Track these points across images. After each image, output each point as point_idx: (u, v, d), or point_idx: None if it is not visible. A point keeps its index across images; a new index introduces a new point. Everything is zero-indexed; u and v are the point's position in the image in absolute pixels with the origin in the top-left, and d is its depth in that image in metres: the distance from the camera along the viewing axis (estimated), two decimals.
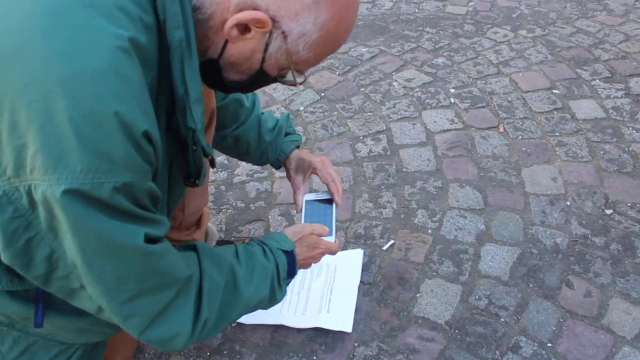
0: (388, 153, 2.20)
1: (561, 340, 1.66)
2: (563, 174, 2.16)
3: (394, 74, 2.62)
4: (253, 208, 2.00)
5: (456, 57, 2.71)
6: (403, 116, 2.36)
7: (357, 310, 1.68)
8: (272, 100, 2.56)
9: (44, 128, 0.74)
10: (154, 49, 0.85)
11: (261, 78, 1.00)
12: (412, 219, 1.97)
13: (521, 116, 2.39)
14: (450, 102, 2.44)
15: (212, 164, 1.15)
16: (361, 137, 2.27)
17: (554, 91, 2.53)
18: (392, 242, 1.90)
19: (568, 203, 2.05)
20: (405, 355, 1.61)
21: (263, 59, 0.94)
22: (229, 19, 0.86)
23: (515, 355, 1.62)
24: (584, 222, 1.99)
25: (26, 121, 0.75)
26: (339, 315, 1.66)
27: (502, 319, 1.70)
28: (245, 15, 0.85)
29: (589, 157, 2.22)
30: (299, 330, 1.65)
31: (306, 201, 1.53)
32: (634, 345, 1.65)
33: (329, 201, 1.52)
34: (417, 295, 1.76)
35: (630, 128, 2.36)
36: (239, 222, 1.94)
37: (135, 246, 0.86)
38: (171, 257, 0.96)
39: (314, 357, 1.60)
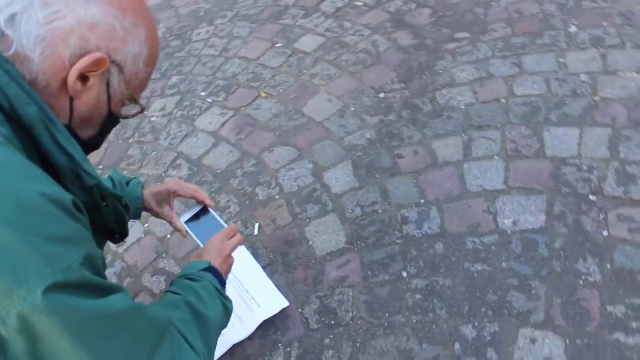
0: (195, 169, 2.27)
1: (428, 192, 1.93)
2: (331, 93, 2.44)
3: (145, 112, 2.66)
4: (125, 287, 1.92)
5: (185, 69, 2.84)
6: (182, 136, 2.43)
7: (278, 287, 1.75)
8: None
9: None
10: (12, 137, 0.83)
11: (110, 122, 1.02)
12: (256, 198, 2.08)
13: (269, 77, 2.63)
14: (210, 102, 2.57)
15: (127, 208, 1.13)
16: (163, 174, 2.29)
17: (276, 45, 2.82)
18: (257, 224, 1.99)
19: (352, 108, 2.34)
20: (341, 286, 1.74)
21: (109, 99, 0.96)
22: (70, 74, 0.86)
23: (409, 224, 1.85)
24: (372, 112, 2.30)
25: None
26: (270, 300, 1.72)
27: (380, 210, 1.92)
28: (85, 61, 0.86)
29: (338, 71, 2.55)
30: (250, 337, 1.66)
31: (186, 222, 1.56)
32: (467, 160, 2.00)
33: (204, 209, 1.58)
34: (309, 242, 1.88)
35: (348, 36, 2.75)
36: None
37: (129, 307, 0.84)
38: (150, 306, 0.96)
39: (279, 345, 1.64)
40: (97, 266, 0.83)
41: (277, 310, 1.69)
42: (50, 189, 0.78)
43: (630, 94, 2.09)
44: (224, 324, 1.23)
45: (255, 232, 1.97)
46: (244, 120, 2.42)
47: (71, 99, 0.91)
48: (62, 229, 0.76)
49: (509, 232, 1.77)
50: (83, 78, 0.89)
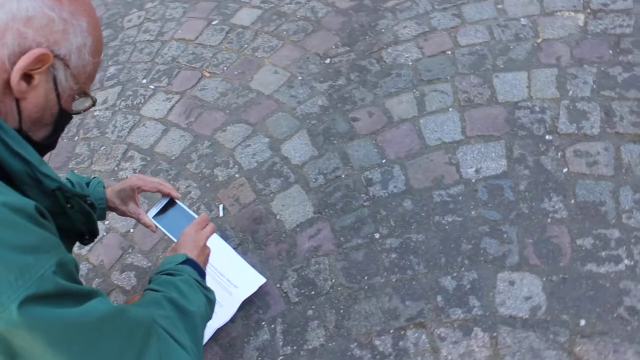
0: (148, 158, 2.19)
1: (388, 152, 1.93)
2: (276, 65, 2.40)
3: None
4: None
5: (121, 58, 2.73)
6: (130, 127, 2.34)
7: (252, 266, 1.72)
8: None
9: None
10: None
11: (63, 119, 0.96)
12: (216, 179, 2.04)
13: (210, 55, 2.55)
14: (153, 89, 2.48)
15: (93, 206, 1.08)
16: (115, 168, 2.21)
17: (213, 23, 2.73)
18: (221, 206, 1.95)
19: (300, 78, 2.30)
20: (316, 256, 1.73)
21: (58, 96, 0.90)
22: (12, 74, 0.80)
23: (375, 185, 1.85)
24: (320, 79, 2.27)
25: None
26: (246, 280, 1.68)
27: (343, 175, 1.91)
28: (26, 59, 0.80)
29: (280, 42, 2.50)
30: (232, 320, 1.63)
31: (154, 217, 1.52)
32: (423, 115, 2.01)
33: (171, 202, 1.54)
34: (277, 217, 1.86)
35: (285, 5, 2.70)
36: None
37: (110, 311, 0.81)
38: (132, 307, 0.93)
39: (263, 323, 1.62)
40: (71, 272, 0.79)
41: (255, 289, 1.66)
42: (9, 197, 0.73)
43: (570, 32, 2.13)
44: (208, 316, 1.20)
45: (221, 214, 1.93)
46: (191, 103, 2.35)
47: (17, 101, 0.85)
48: (29, 237, 0.72)
49: (474, 180, 1.79)
50: (27, 77, 0.83)
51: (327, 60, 2.34)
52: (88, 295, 0.80)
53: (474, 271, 1.60)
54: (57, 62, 0.87)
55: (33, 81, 0.84)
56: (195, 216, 1.49)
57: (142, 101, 2.44)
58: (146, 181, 1.51)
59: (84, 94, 0.97)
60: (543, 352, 1.43)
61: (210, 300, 1.21)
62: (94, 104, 1.01)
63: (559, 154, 1.79)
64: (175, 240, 1.43)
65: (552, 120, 1.88)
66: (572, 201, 1.68)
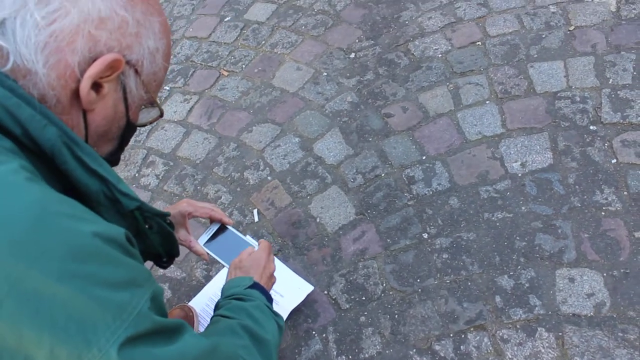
0: (171, 163, 2.11)
1: (428, 148, 1.87)
2: (298, 61, 2.32)
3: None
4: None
5: None
6: (148, 131, 2.25)
7: (297, 273, 1.65)
8: None
9: (38, 317, 0.58)
10: (32, 168, 0.69)
11: (128, 132, 0.87)
12: (247, 183, 1.96)
13: (226, 53, 2.47)
14: (168, 90, 2.39)
15: (172, 226, 1.00)
16: (136, 174, 2.12)
17: (226, 19, 2.63)
18: (255, 210, 1.87)
19: (325, 74, 2.23)
20: (363, 260, 1.66)
21: (127, 107, 0.81)
22: (82, 83, 0.71)
23: (417, 184, 1.79)
24: (347, 74, 2.20)
25: (11, 328, 0.58)
26: (292, 288, 1.62)
27: (383, 174, 1.84)
28: (98, 66, 0.71)
29: (300, 37, 2.42)
30: None
31: (205, 245, 1.44)
32: (460, 109, 1.94)
33: (222, 228, 1.46)
34: (317, 220, 1.79)
35: (301, 1, 2.62)
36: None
37: (205, 348, 0.76)
38: (218, 339, 0.86)
39: (313, 333, 1.56)
40: (162, 305, 0.73)
41: (303, 297, 1.60)
42: (99, 226, 0.66)
43: (603, 18, 2.08)
44: (279, 344, 1.14)
45: (256, 219, 1.85)
46: (211, 103, 2.27)
47: (84, 113, 0.76)
48: (123, 271, 0.65)
49: (520, 175, 1.73)
50: (96, 86, 0.74)
51: (352, 55, 2.26)
52: (178, 329, 0.74)
53: (530, 269, 1.55)
54: (128, 69, 0.77)
55: (102, 90, 0.75)
56: (250, 242, 1.42)
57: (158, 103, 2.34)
58: (197, 207, 1.42)
59: (152, 103, 0.88)
60: (613, 351, 1.38)
61: (280, 327, 1.15)
62: (161, 115, 0.92)
63: (606, 145, 1.74)
64: (241, 260, 1.35)
65: (595, 110, 1.82)
66: (625, 193, 1.63)
